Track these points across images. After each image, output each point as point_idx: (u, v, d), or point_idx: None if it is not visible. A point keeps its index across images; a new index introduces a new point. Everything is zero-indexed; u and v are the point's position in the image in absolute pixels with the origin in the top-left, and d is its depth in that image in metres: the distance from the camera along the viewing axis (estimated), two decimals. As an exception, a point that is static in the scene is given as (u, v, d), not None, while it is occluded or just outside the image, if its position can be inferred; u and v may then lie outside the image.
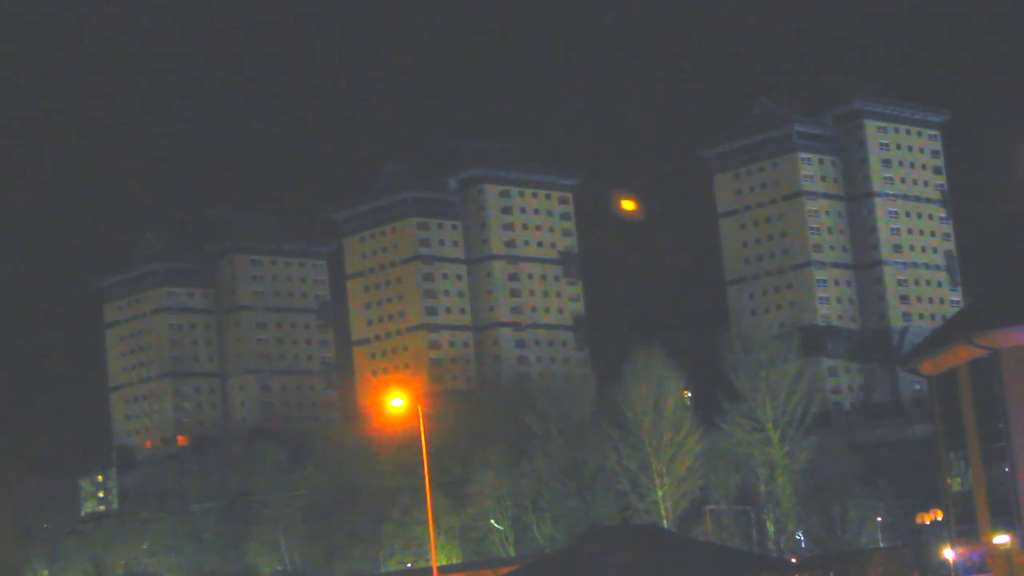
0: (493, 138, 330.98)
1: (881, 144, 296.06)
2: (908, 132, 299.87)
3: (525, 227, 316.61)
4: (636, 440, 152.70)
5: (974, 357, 79.27)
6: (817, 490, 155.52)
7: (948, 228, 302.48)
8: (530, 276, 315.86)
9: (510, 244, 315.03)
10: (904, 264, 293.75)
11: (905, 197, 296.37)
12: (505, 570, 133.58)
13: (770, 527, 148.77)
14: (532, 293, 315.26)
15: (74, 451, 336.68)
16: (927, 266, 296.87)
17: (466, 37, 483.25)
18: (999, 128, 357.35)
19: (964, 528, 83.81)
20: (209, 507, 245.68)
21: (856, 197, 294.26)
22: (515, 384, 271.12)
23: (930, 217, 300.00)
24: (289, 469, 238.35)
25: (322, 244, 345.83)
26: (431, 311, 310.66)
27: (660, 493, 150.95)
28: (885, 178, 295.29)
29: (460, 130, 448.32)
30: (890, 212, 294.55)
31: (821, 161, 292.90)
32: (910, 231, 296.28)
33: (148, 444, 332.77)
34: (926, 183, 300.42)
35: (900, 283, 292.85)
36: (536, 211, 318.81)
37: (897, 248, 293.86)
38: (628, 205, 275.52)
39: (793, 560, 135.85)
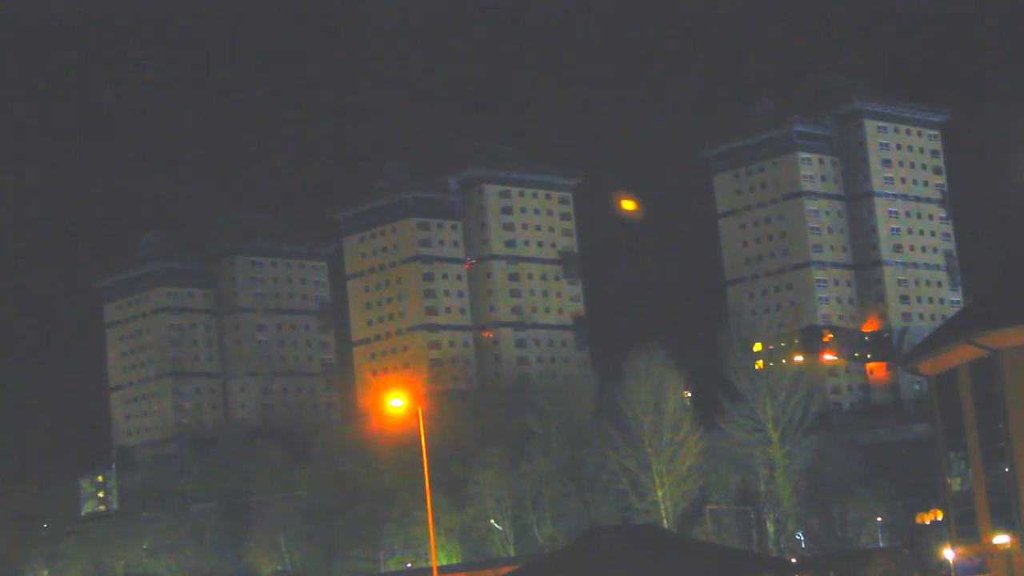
0: (493, 138, 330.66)
1: (881, 144, 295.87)
2: (908, 132, 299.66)
3: (525, 227, 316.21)
4: (636, 440, 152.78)
5: (974, 357, 79.32)
6: (817, 490, 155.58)
7: (948, 228, 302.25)
8: (530, 276, 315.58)
9: (510, 244, 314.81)
10: (904, 264, 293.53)
11: (905, 197, 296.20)
12: (505, 570, 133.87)
13: (770, 527, 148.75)
14: (532, 293, 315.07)
15: (74, 451, 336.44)
16: (927, 266, 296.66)
17: (466, 37, 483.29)
18: (999, 128, 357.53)
19: (964, 528, 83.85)
20: (209, 507, 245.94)
21: (856, 197, 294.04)
22: (515, 384, 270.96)
23: (930, 217, 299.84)
24: (289, 469, 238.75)
25: (322, 244, 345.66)
26: (431, 311, 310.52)
27: (660, 493, 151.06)
28: (885, 178, 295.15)
29: (460, 130, 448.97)
30: (890, 212, 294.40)
31: (821, 161, 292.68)
32: (910, 231, 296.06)
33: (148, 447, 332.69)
34: (926, 183, 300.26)
35: (900, 283, 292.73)
36: (536, 211, 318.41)
37: (897, 248, 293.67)
38: (628, 205, 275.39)
39: (793, 560, 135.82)
